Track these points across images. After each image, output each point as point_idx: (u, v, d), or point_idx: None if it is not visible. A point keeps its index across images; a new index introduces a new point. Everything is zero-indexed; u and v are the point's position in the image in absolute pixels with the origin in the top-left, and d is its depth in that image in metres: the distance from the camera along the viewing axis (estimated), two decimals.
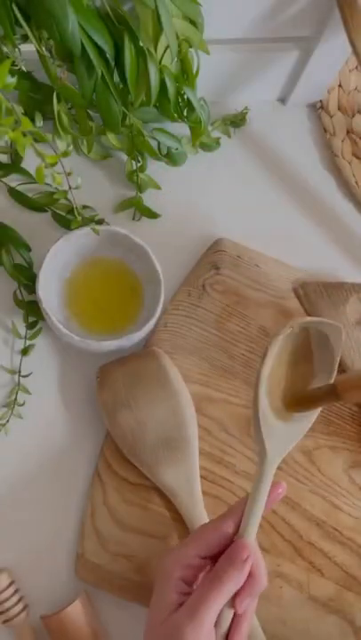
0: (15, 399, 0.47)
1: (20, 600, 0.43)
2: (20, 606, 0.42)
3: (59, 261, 0.47)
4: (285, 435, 0.37)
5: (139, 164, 0.52)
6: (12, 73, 0.42)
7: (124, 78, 0.43)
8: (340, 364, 0.49)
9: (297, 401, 0.38)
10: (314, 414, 0.39)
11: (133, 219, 0.54)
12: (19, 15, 0.38)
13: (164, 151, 0.53)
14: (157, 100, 0.46)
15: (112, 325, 0.48)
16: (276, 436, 0.37)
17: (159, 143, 0.52)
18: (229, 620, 0.35)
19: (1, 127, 0.32)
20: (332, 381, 0.38)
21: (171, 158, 0.53)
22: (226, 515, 0.37)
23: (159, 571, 0.37)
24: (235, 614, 0.35)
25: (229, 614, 0.35)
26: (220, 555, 0.35)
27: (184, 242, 0.54)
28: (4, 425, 0.47)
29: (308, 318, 0.39)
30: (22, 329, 0.49)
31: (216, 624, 0.34)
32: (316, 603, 0.44)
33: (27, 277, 0.49)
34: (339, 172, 0.57)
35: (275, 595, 0.44)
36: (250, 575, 0.35)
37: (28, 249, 0.50)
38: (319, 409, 0.39)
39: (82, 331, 0.47)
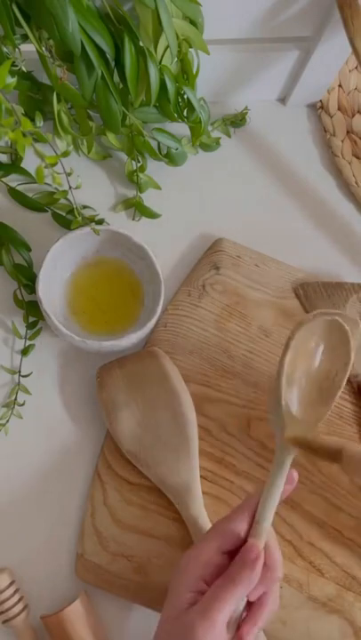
0: (15, 399, 0.47)
1: (20, 600, 0.42)
2: (20, 606, 0.42)
3: (59, 261, 0.47)
4: (303, 424, 0.38)
5: (139, 164, 0.52)
6: (11, 73, 0.42)
7: (124, 78, 0.43)
8: None
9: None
10: (331, 403, 0.38)
11: (133, 219, 0.54)
12: (19, 15, 0.38)
13: (164, 151, 0.53)
14: (157, 100, 0.46)
15: (112, 325, 0.48)
16: (294, 425, 0.37)
17: (159, 143, 0.52)
18: (242, 608, 0.35)
19: (1, 127, 0.32)
20: (346, 375, 0.38)
21: (171, 158, 0.53)
22: (241, 507, 0.37)
23: (178, 568, 0.36)
24: (249, 603, 0.35)
25: (243, 603, 0.35)
26: (239, 548, 0.36)
27: (184, 242, 0.54)
28: (3, 425, 0.47)
29: (329, 310, 0.39)
30: (22, 329, 0.49)
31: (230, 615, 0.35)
32: (316, 603, 0.44)
33: (27, 277, 0.49)
34: (339, 172, 0.57)
35: None
36: (266, 565, 0.35)
37: (28, 249, 0.50)
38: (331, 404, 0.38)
39: (82, 331, 0.47)
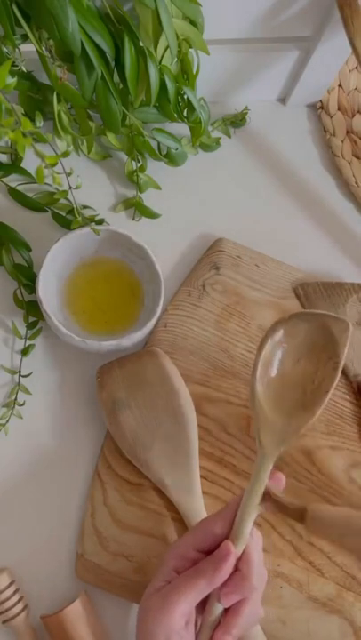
0: (15, 399, 0.47)
1: (20, 600, 0.42)
2: (20, 606, 0.42)
3: (59, 261, 0.47)
4: (283, 428, 0.36)
5: (139, 165, 0.52)
6: (12, 73, 0.42)
7: (124, 78, 0.43)
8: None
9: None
10: (316, 409, 0.36)
11: (133, 219, 0.54)
12: (19, 15, 0.38)
13: (164, 151, 0.53)
14: (157, 100, 0.46)
15: (112, 325, 0.48)
16: (272, 428, 0.36)
17: (159, 143, 0.52)
18: (218, 613, 0.35)
19: (1, 128, 0.32)
20: (334, 380, 0.36)
21: (171, 158, 0.53)
22: (225, 508, 0.37)
23: (160, 561, 0.37)
24: (226, 610, 0.35)
25: (219, 608, 0.35)
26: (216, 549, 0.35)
27: (184, 242, 0.54)
28: (3, 425, 0.47)
29: (312, 310, 0.38)
30: (22, 329, 0.49)
31: (205, 613, 0.35)
32: (316, 602, 0.44)
33: (27, 277, 0.49)
34: (339, 172, 0.57)
35: (275, 595, 0.44)
36: (239, 572, 0.35)
37: (28, 249, 0.50)
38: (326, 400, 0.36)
39: (82, 331, 0.47)
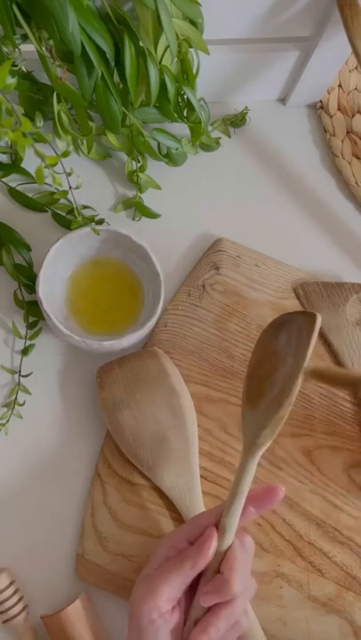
0: (15, 399, 0.48)
1: (20, 600, 0.43)
2: (20, 606, 0.42)
3: (59, 261, 0.47)
4: (260, 422, 0.35)
5: (139, 164, 0.52)
6: (12, 73, 0.42)
7: (124, 78, 0.43)
8: (340, 364, 0.50)
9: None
10: (290, 401, 0.34)
11: (133, 219, 0.54)
12: (19, 15, 0.38)
13: (164, 151, 0.53)
14: (157, 101, 0.46)
15: (112, 325, 0.48)
16: (252, 425, 0.35)
17: (159, 143, 0.52)
18: (200, 612, 0.35)
19: (1, 128, 0.32)
20: (298, 374, 0.34)
21: (171, 158, 0.53)
22: (221, 504, 0.37)
23: (153, 551, 0.38)
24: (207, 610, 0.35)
25: (201, 608, 0.35)
26: None
27: (184, 242, 0.54)
28: (4, 425, 0.47)
29: (287, 313, 0.37)
30: (22, 329, 0.49)
31: (191, 608, 0.36)
32: (316, 602, 0.44)
33: (27, 277, 0.50)
34: (339, 172, 0.57)
35: (275, 595, 0.44)
36: (221, 574, 0.35)
37: (29, 249, 0.50)
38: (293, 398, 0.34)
39: (82, 331, 0.47)
